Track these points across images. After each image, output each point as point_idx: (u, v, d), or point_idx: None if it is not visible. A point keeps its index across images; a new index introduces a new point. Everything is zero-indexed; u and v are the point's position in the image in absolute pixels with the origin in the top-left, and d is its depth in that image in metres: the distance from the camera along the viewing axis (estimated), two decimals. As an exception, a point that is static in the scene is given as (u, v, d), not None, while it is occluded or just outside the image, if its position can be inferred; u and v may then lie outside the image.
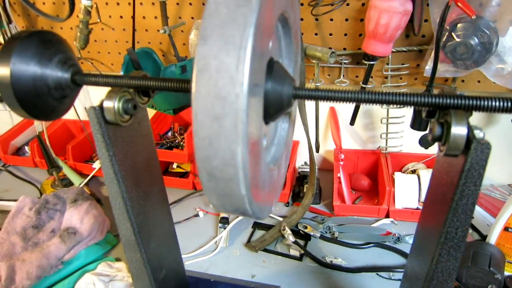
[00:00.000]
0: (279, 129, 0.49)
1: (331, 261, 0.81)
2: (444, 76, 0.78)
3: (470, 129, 0.35)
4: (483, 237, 0.80)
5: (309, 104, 0.91)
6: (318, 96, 0.39)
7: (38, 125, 1.04)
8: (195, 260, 0.83)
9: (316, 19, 0.82)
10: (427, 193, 0.48)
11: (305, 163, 1.07)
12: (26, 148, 1.15)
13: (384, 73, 0.84)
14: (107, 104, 0.42)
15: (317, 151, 0.99)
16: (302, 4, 0.80)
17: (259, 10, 0.28)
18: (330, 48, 0.85)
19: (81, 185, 1.00)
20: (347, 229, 0.89)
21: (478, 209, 0.89)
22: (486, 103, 0.35)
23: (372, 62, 0.80)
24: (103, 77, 0.45)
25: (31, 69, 0.43)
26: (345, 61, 0.85)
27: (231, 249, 0.86)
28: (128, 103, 0.44)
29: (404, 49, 0.81)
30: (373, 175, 1.03)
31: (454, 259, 0.41)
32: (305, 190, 0.97)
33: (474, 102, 0.35)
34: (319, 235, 0.88)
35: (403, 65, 0.83)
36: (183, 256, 0.83)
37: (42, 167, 1.09)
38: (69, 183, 1.04)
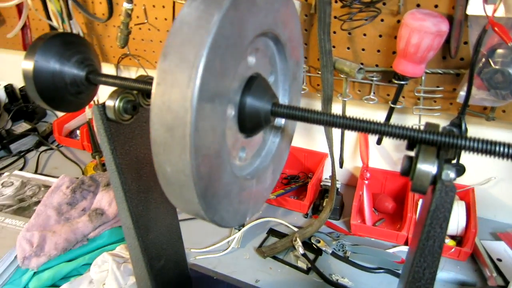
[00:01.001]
0: (268, 142, 0.49)
1: (337, 280, 0.80)
2: (481, 104, 0.72)
3: (440, 167, 0.33)
4: (507, 284, 0.72)
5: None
6: (296, 116, 0.40)
7: (89, 112, 1.14)
8: (205, 256, 0.86)
9: (349, 33, 0.81)
10: (415, 226, 0.46)
11: (330, 177, 1.05)
12: (77, 132, 1.28)
13: (416, 94, 0.80)
14: (109, 103, 0.47)
15: (341, 166, 0.97)
16: (335, 17, 0.80)
17: (215, 32, 0.30)
18: (361, 63, 0.83)
19: (117, 171, 1.08)
20: (361, 250, 0.86)
21: (508, 251, 0.80)
22: (459, 142, 0.33)
23: (402, 82, 0.77)
24: (112, 78, 0.49)
25: (51, 66, 0.48)
26: (376, 78, 0.82)
27: (241, 251, 0.88)
28: (128, 104, 0.48)
29: (440, 71, 0.76)
30: (400, 199, 0.98)
31: (422, 300, 0.39)
32: (324, 204, 0.96)
33: (444, 139, 0.33)
34: (331, 251, 0.86)
35: (438, 88, 0.78)
36: (194, 250, 0.87)
37: (88, 151, 1.20)
38: (108, 168, 1.13)
